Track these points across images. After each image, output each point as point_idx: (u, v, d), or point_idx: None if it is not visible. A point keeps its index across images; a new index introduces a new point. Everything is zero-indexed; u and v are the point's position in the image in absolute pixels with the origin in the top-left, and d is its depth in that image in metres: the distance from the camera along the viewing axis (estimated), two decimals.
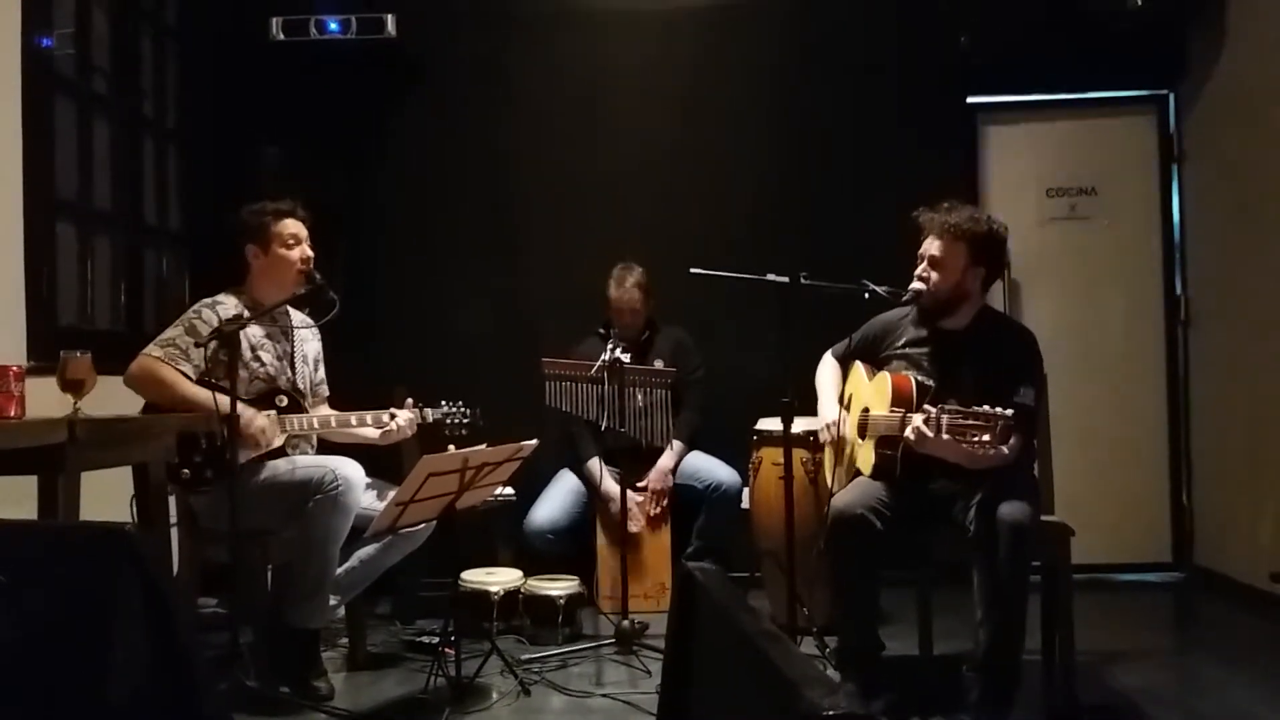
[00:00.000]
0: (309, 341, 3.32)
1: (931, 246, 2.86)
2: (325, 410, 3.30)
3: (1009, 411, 2.45)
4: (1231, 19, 4.23)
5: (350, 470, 2.95)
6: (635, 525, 3.96)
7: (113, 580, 1.45)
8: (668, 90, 4.70)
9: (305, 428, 3.12)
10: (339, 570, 3.03)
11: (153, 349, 2.99)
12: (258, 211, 3.19)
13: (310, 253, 3.17)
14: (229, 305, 3.11)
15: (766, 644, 0.95)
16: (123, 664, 1.44)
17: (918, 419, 2.59)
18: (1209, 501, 4.52)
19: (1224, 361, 4.37)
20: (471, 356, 4.48)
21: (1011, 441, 2.52)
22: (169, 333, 3.03)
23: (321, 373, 3.37)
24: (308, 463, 3.03)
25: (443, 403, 3.31)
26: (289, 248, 3.15)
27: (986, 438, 2.44)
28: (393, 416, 3.18)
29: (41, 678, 1.45)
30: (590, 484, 4.05)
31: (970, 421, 2.46)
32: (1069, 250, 4.74)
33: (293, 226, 3.18)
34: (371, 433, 3.25)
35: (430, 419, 3.28)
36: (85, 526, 1.95)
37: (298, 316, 3.33)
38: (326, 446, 3.26)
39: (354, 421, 3.18)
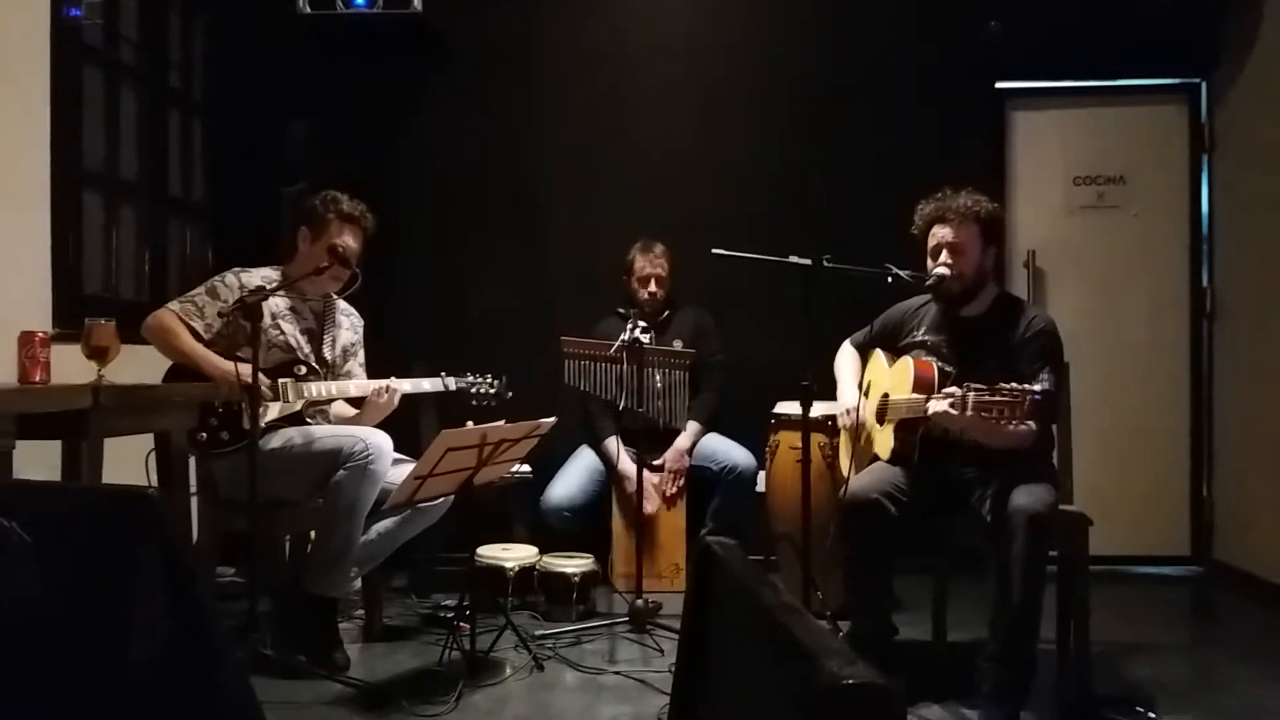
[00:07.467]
0: (344, 330, 3.33)
1: (948, 234, 2.85)
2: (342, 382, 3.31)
3: (1036, 387, 2.44)
4: (1268, 6, 4.15)
5: (380, 439, 2.98)
6: (651, 506, 3.96)
7: (134, 543, 1.46)
8: (692, 71, 4.67)
9: (321, 394, 3.14)
10: None
11: (173, 303, 3.08)
12: (330, 201, 3.19)
13: (344, 276, 3.15)
14: (256, 276, 3.13)
15: (785, 616, 0.95)
16: (142, 626, 1.45)
17: (944, 403, 2.57)
18: (1230, 496, 4.48)
19: (1249, 355, 4.32)
20: (491, 334, 4.48)
21: (1030, 425, 2.51)
22: (193, 291, 3.12)
23: (351, 365, 3.34)
24: (335, 432, 3.06)
25: (468, 373, 3.31)
26: (332, 255, 3.13)
27: (1013, 414, 2.43)
28: (389, 389, 3.18)
29: (62, 636, 1.47)
30: (608, 462, 4.06)
31: (997, 399, 2.45)
32: (1095, 239, 4.69)
33: (349, 238, 3.18)
34: (350, 410, 3.29)
35: (454, 387, 3.28)
36: (108, 490, 1.96)
37: (343, 305, 3.36)
38: None
39: (354, 390, 3.21)
